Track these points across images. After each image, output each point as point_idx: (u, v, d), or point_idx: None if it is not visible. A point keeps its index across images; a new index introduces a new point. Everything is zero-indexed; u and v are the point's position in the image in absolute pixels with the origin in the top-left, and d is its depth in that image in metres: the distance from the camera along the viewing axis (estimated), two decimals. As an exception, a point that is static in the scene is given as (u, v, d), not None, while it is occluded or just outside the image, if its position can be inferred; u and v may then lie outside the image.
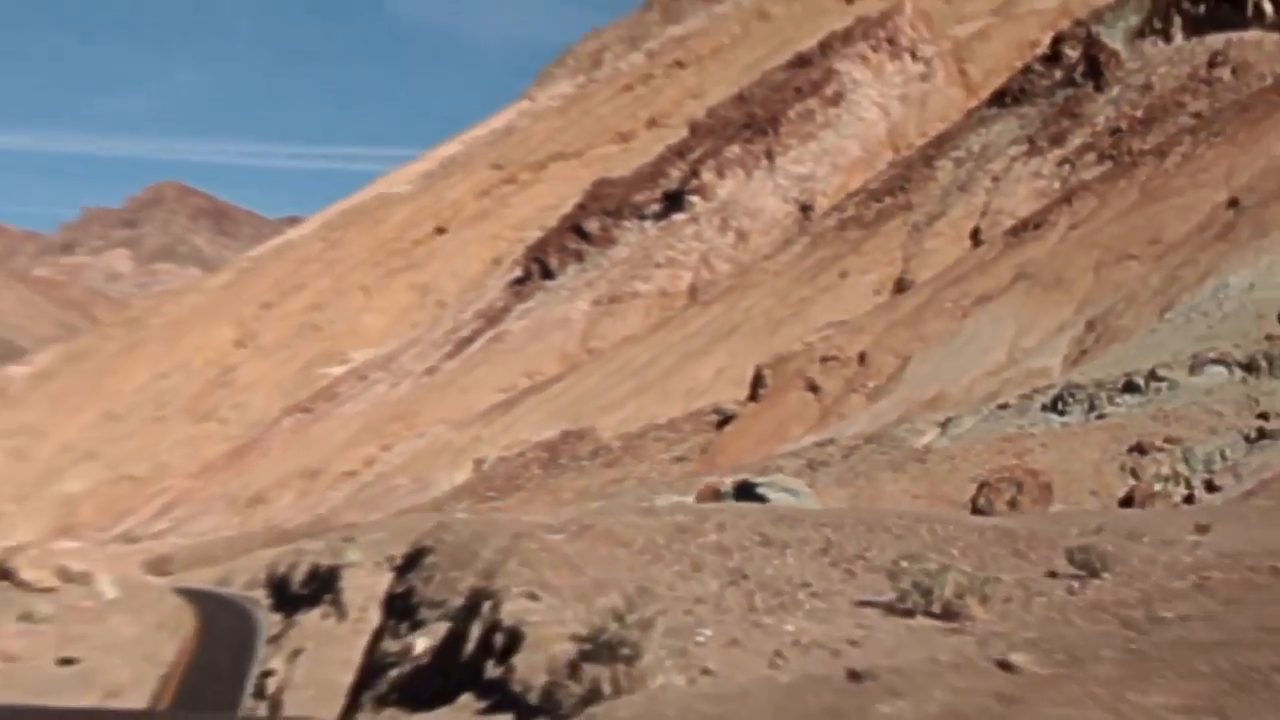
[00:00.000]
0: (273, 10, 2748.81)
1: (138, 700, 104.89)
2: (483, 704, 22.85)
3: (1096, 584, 24.73)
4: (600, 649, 18.88)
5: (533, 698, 20.85)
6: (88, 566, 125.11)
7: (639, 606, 19.51)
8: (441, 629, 38.16)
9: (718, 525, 30.15)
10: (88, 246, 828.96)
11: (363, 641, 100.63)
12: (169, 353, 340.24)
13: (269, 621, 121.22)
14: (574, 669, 19.21)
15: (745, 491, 75.85)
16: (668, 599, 22.75)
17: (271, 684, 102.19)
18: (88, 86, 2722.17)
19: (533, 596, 23.83)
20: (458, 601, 41.93)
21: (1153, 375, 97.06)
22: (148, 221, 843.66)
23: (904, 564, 23.72)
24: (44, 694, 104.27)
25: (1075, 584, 24.74)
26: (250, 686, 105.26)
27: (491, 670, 22.80)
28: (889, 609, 22.11)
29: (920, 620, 21.46)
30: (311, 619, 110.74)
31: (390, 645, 46.75)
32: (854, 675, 15.95)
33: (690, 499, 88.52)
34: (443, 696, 26.04)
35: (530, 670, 21.26)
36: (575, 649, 19.79)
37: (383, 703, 37.76)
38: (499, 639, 22.75)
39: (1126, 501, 73.82)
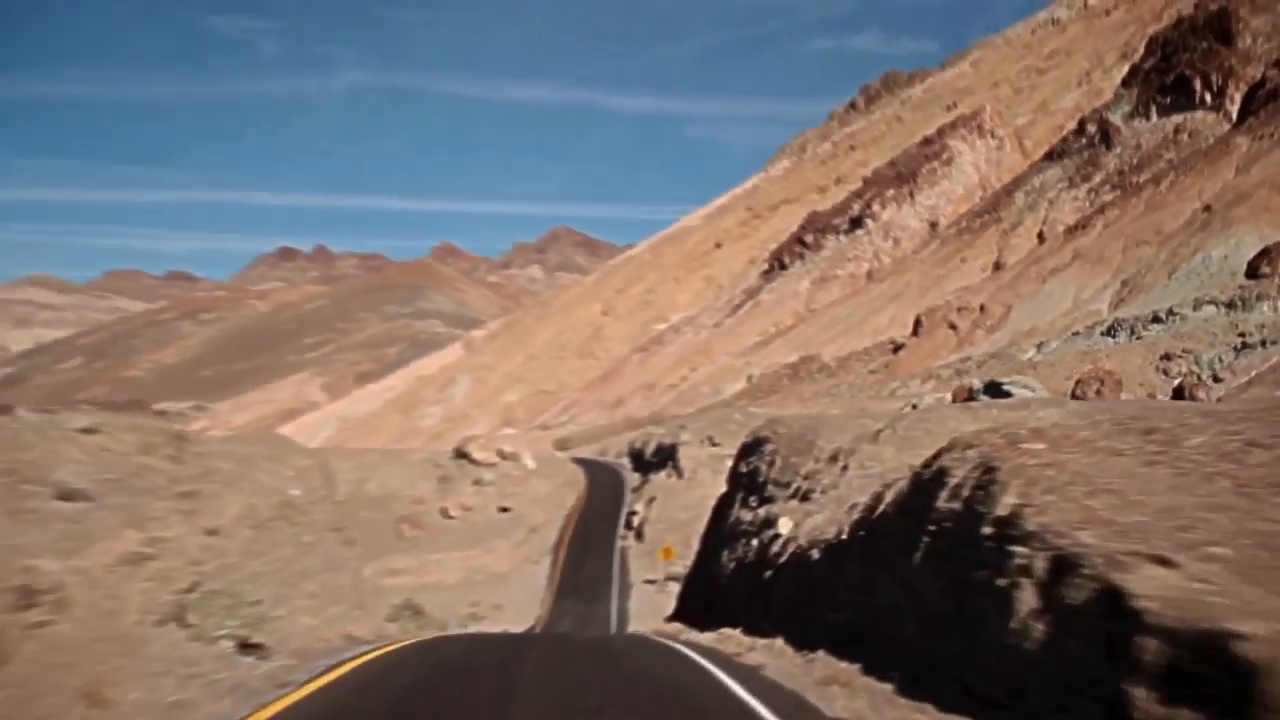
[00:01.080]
0: (615, 132, 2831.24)
1: (549, 533, 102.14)
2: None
3: None
4: None
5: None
6: (516, 448, 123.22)
7: None
8: (798, 510, 28.84)
9: (1183, 425, 15.44)
10: (516, 264, 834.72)
11: (695, 493, 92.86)
12: (564, 320, 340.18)
13: (632, 479, 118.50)
14: None
15: (993, 388, 68.12)
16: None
17: (636, 520, 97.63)
18: (514, 177, 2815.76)
19: (1164, 562, 9.92)
20: (800, 483, 32.53)
21: (1170, 312, 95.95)
22: (551, 249, 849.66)
23: None
24: (490, 531, 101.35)
25: None
26: (622, 521, 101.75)
27: (1157, 709, 9.00)
28: None
29: None
30: (659, 478, 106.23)
31: (743, 515, 37.37)
32: None
33: (946, 397, 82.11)
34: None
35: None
36: None
37: (781, 591, 26.05)
38: (1149, 647, 8.98)
39: (1179, 391, 70.53)
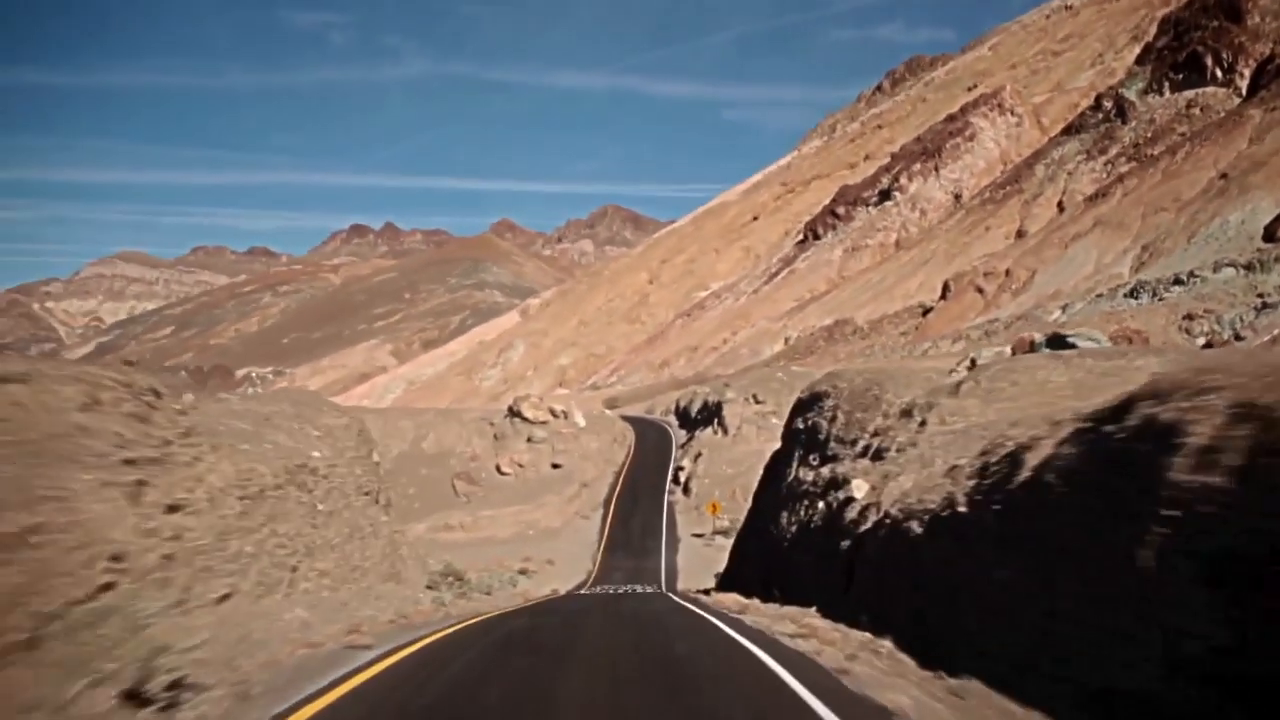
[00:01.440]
0: (658, 117, 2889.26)
1: (599, 488, 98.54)
2: None
3: None
4: None
5: None
6: (567, 406, 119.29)
7: None
8: (873, 471, 23.40)
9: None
10: (569, 239, 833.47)
11: (740, 449, 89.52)
12: (613, 289, 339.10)
13: (678, 436, 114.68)
14: None
15: (1057, 341, 63.87)
16: None
17: (683, 475, 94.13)
18: (566, 158, 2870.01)
19: None
20: (868, 440, 27.09)
21: (1191, 274, 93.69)
22: (600, 224, 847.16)
23: None
24: (542, 487, 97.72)
25: None
26: (670, 476, 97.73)
27: None
28: None
29: None
30: (705, 434, 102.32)
31: (804, 474, 31.52)
32: None
33: (1005, 350, 77.97)
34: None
35: None
36: None
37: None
38: None
39: (1208, 345, 67.84)
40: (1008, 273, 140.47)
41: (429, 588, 31.64)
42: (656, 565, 70.59)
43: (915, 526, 15.60)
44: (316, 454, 23.51)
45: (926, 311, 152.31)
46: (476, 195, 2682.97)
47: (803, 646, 14.95)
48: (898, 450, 22.86)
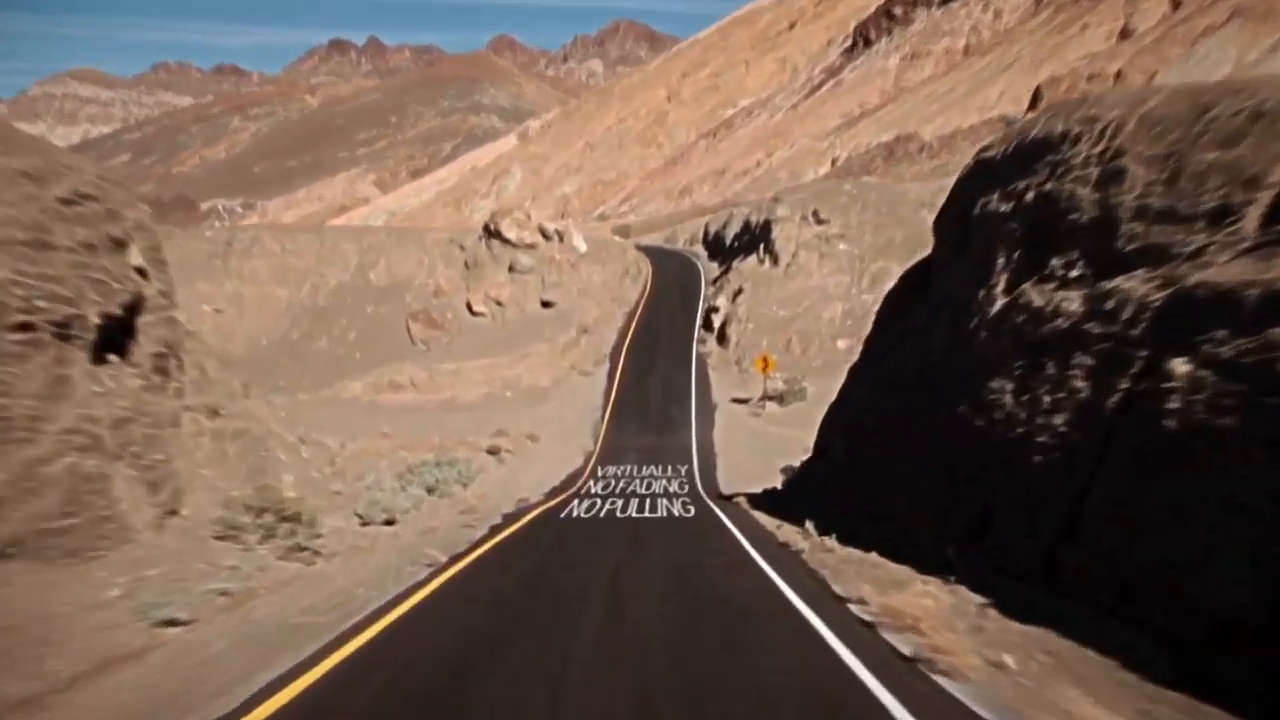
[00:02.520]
0: None
1: (605, 334, 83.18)
2: None
3: None
4: None
5: None
6: (562, 226, 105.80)
7: None
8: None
9: None
10: (576, 58, 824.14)
11: (796, 283, 73.01)
12: (624, 107, 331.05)
13: (709, 269, 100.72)
14: None
15: None
16: None
17: (716, 319, 78.08)
18: None
19: None
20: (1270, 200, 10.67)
21: None
22: (610, 42, 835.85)
23: None
24: (530, 330, 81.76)
25: None
26: (699, 319, 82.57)
27: None
28: None
29: None
30: (748, 265, 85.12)
31: (1047, 298, 15.97)
32: None
33: None
34: None
35: None
36: None
37: None
38: None
39: None
40: (1119, 75, 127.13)
41: (219, 538, 16.33)
42: (685, 444, 55.03)
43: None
44: None
45: (1011, 124, 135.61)
46: (472, 8, 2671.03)
47: None
48: None
